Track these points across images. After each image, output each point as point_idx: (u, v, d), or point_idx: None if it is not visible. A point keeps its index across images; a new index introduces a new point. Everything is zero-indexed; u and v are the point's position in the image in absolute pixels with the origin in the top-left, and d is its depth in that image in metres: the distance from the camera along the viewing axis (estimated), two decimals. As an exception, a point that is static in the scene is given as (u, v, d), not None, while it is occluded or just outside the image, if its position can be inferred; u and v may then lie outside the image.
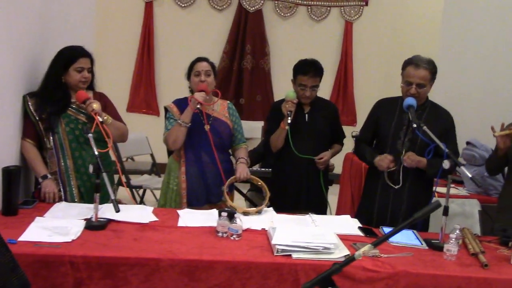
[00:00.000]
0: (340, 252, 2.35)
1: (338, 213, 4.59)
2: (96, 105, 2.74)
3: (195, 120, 3.12)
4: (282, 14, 7.02)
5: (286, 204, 3.27)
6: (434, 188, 2.95)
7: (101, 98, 3.05)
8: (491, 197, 3.94)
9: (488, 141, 4.06)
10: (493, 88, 4.58)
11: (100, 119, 2.70)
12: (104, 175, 2.40)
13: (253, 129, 6.32)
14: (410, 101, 2.91)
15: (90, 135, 2.57)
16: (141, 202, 4.90)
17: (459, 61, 5.19)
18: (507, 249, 2.68)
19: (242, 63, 6.93)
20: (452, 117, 3.15)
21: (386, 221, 3.01)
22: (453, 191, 3.99)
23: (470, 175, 2.60)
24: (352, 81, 7.19)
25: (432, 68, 2.98)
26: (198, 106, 3.02)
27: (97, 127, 2.67)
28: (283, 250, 2.30)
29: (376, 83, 7.06)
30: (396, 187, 3.04)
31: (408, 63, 3.02)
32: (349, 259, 1.45)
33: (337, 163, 4.59)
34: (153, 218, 2.67)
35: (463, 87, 5.07)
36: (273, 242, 2.35)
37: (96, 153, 2.46)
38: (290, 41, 6.97)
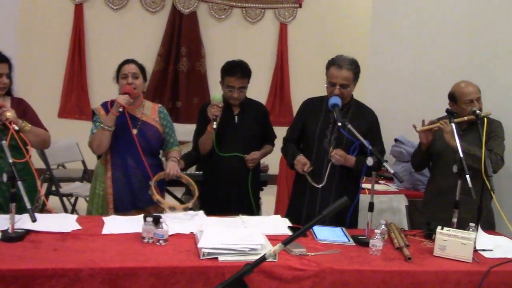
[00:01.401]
0: (268, 253, 2.34)
1: (276, 213, 4.61)
2: (10, 114, 2.61)
3: (122, 124, 3.04)
4: (217, 16, 7.01)
5: (217, 207, 3.24)
6: (360, 185, 3.00)
7: (20, 104, 2.92)
8: (420, 192, 4.07)
9: (415, 138, 4.20)
10: (419, 88, 4.74)
11: (16, 128, 2.58)
12: (20, 183, 2.28)
13: (190, 132, 6.16)
14: (335, 100, 2.95)
15: (3, 142, 2.45)
16: (73, 210, 4.74)
17: (388, 61, 5.35)
18: (430, 241, 2.76)
19: (177, 65, 6.86)
20: (376, 115, 3.22)
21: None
22: (383, 187, 4.11)
23: (392, 171, 2.67)
24: (288, 82, 7.27)
25: (355, 68, 3.03)
26: (121, 109, 2.95)
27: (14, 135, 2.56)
28: (209, 253, 2.27)
29: (312, 83, 7.11)
30: (319, 186, 3.08)
31: (331, 63, 3.06)
32: (260, 260, 1.44)
33: (274, 163, 4.63)
34: (76, 226, 2.58)
35: (391, 86, 5.22)
36: (199, 245, 2.32)
37: (11, 161, 2.34)
38: (226, 43, 6.97)
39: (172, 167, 3.08)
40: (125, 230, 2.57)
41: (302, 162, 3.05)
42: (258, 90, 6.68)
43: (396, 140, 4.26)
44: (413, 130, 4.43)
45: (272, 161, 4.31)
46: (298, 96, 7.21)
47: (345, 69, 3.00)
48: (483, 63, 3.79)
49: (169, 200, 3.44)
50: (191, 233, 2.60)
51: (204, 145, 3.32)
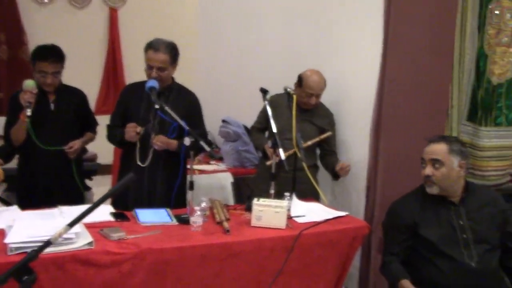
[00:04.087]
0: (84, 240, 2.29)
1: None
2: None
3: None
4: (39, 0, 6.56)
5: (36, 200, 3.06)
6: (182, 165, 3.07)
7: None
8: (248, 169, 4.28)
9: (241, 118, 4.40)
10: (244, 71, 4.93)
11: None
12: None
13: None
14: (151, 83, 2.96)
15: None
16: None
17: (215, 46, 5.49)
18: (250, 213, 2.91)
19: (-4, 53, 6.31)
20: (198, 99, 3.30)
21: (144, 203, 3.02)
22: (213, 167, 4.24)
23: (208, 149, 2.78)
24: (122, 69, 7.06)
25: (171, 51, 3.07)
26: None
27: None
28: (17, 248, 2.15)
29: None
30: (144, 165, 3.07)
31: (148, 47, 3.07)
32: (45, 244, 1.41)
33: (107, 152, 4.49)
34: None
35: (218, 70, 5.37)
36: (5, 240, 2.19)
37: None
38: (51, 30, 6.50)
39: None
40: None
41: (133, 124, 3.00)
42: (89, 78, 6.39)
43: (223, 121, 4.40)
44: (239, 111, 4.65)
45: (106, 150, 4.18)
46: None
47: (161, 52, 3.02)
48: (308, 54, 4.01)
49: None
50: (1, 229, 2.43)
51: (17, 136, 3.11)
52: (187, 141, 2.74)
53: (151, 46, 3.05)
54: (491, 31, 4.33)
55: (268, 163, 3.37)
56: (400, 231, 2.53)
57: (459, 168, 2.47)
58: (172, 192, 3.08)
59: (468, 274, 2.38)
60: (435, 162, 2.46)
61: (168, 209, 2.91)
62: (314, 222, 2.87)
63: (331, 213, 3.04)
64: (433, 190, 2.49)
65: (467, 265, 2.38)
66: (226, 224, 2.66)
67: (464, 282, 2.38)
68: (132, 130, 2.99)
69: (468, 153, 2.58)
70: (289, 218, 2.87)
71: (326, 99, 3.48)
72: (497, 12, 4.38)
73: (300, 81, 3.36)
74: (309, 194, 3.41)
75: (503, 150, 4.53)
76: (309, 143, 3.29)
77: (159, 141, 3.01)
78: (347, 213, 3.07)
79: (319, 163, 3.55)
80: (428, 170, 2.48)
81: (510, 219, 2.56)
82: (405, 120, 3.38)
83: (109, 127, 3.26)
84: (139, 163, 3.07)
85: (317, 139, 3.37)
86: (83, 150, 3.51)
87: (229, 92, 5.07)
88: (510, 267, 2.54)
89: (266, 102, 3.18)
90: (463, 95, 4.41)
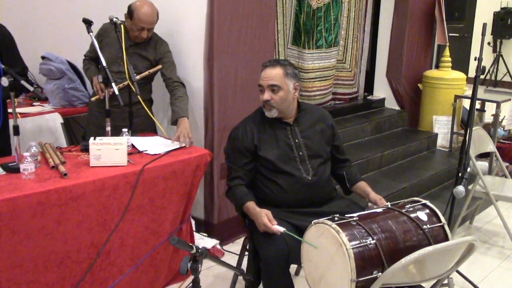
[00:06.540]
0: None
1: None
2: None
3: None
4: None
5: None
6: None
7: None
8: (77, 108, 4.00)
9: (62, 53, 4.04)
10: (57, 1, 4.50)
11: None
12: None
13: None
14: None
15: None
16: None
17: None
18: (87, 154, 2.75)
19: None
20: (11, 33, 2.93)
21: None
22: (38, 109, 3.88)
23: (32, 89, 2.52)
24: None
25: None
26: None
27: None
28: None
29: None
30: None
31: None
32: None
33: None
34: None
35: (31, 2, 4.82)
36: None
37: None
38: None
39: None
40: None
41: None
42: None
43: (43, 57, 3.98)
44: (61, 45, 4.28)
45: None
46: None
47: None
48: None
49: None
50: None
51: None
52: (4, 81, 2.43)
53: None
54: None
55: (92, 99, 3.21)
56: (242, 155, 2.60)
57: (294, 91, 2.59)
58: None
59: (305, 187, 2.56)
60: (273, 87, 2.53)
61: (-10, 160, 2.62)
62: (156, 155, 2.82)
63: (172, 144, 3.01)
64: (272, 113, 2.58)
65: (304, 179, 2.56)
66: (62, 168, 2.48)
67: (302, 195, 2.57)
68: None
69: (300, 75, 2.69)
70: (130, 154, 2.78)
71: (158, 29, 3.33)
72: None
73: (131, 13, 3.14)
74: (146, 128, 3.34)
75: (325, 71, 4.91)
76: (138, 78, 3.14)
77: None
78: (188, 142, 3.06)
79: (153, 96, 3.45)
80: (267, 95, 2.54)
81: (336, 133, 2.78)
82: (235, 45, 3.42)
83: None
84: None
85: (146, 72, 3.24)
86: None
87: (45, 26, 4.58)
88: (339, 175, 2.79)
89: (91, 34, 2.95)
90: (287, 19, 4.61)
